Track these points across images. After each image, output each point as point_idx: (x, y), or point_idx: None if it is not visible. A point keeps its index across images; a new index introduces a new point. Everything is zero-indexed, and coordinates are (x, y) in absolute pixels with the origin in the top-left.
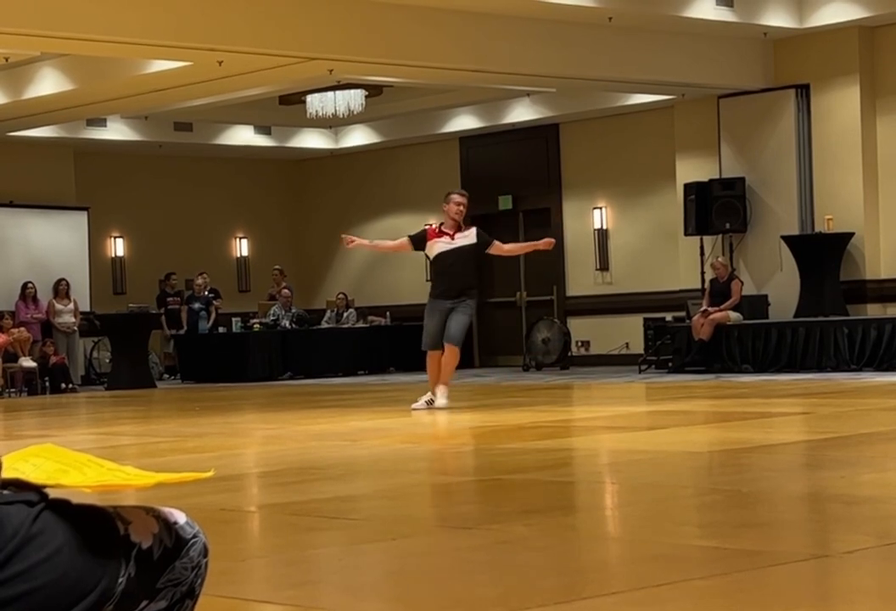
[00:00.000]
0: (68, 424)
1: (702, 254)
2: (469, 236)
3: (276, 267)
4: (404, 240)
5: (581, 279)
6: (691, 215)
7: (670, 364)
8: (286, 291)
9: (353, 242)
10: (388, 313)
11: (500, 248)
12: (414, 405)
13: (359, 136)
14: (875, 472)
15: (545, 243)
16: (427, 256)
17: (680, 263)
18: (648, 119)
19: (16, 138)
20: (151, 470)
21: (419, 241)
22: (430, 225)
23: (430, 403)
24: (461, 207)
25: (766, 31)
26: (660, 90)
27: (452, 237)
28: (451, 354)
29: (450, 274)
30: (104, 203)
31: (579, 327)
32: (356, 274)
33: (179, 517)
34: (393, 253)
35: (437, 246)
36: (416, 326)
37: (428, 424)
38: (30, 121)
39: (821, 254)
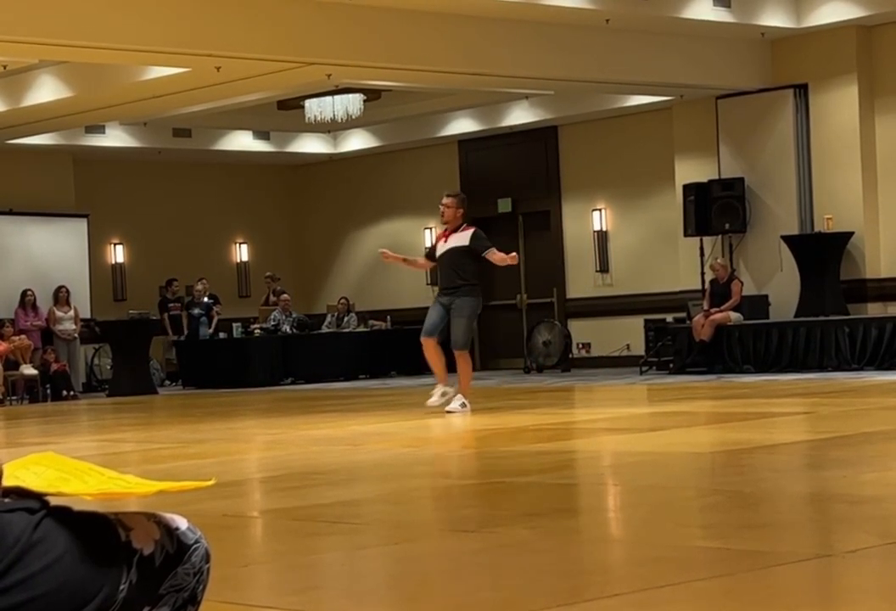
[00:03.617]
0: (70, 432)
1: (702, 255)
2: (463, 238)
3: (267, 274)
4: (423, 260)
5: (581, 281)
6: (691, 216)
7: (671, 365)
8: (284, 295)
9: (388, 257)
10: (388, 318)
11: (491, 256)
12: (429, 402)
13: (357, 141)
14: (877, 471)
15: (512, 258)
16: None
17: (680, 264)
18: (647, 120)
19: (15, 146)
20: (153, 476)
21: (432, 251)
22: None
23: (444, 394)
24: (442, 209)
25: (764, 32)
26: (658, 91)
27: (447, 239)
28: (460, 360)
29: (441, 273)
30: (104, 210)
31: (580, 329)
32: (357, 278)
33: (181, 523)
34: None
35: (438, 247)
36: (417, 330)
37: (429, 427)
38: (29, 128)
39: (821, 254)
